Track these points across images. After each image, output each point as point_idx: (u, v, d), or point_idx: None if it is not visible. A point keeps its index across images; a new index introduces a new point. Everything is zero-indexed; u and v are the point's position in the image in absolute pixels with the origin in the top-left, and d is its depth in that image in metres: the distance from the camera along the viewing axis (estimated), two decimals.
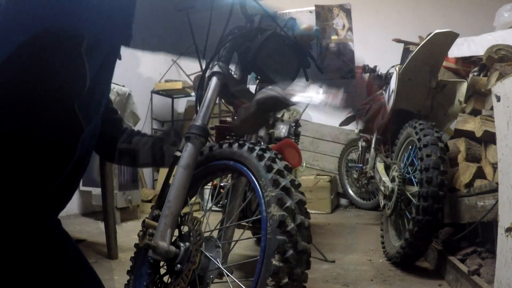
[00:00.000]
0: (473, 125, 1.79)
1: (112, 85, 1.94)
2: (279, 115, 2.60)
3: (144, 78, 4.66)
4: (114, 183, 2.89)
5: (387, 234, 2.08)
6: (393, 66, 2.72)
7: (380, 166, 2.31)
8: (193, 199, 1.26)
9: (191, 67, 4.93)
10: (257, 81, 1.47)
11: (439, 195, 1.57)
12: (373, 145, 2.58)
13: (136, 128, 3.88)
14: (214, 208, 1.35)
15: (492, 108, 1.32)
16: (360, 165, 3.13)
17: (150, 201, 3.72)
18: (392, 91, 2.21)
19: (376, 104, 2.80)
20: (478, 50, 2.33)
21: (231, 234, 1.16)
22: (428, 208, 1.57)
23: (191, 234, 0.99)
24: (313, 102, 2.30)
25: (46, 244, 0.90)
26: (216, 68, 1.22)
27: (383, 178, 2.12)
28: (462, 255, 1.57)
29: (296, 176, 3.16)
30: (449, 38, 1.95)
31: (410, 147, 2.03)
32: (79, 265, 0.97)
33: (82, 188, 3.36)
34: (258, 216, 0.91)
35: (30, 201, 0.80)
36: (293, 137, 2.07)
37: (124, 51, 1.10)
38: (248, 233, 2.08)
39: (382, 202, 2.13)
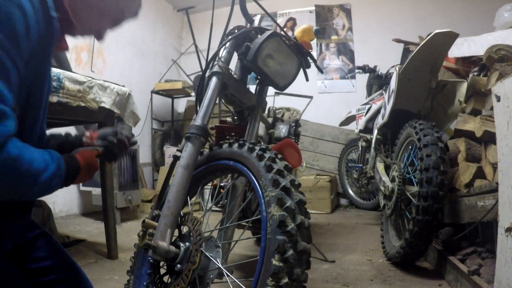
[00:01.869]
0: (473, 125, 1.79)
1: (112, 85, 1.94)
2: (279, 115, 2.60)
3: (144, 78, 4.66)
4: (114, 183, 2.89)
5: (387, 234, 2.08)
6: (393, 66, 2.73)
7: (380, 166, 2.31)
8: (193, 199, 1.26)
9: (191, 67, 4.95)
10: (257, 81, 1.47)
11: (439, 195, 1.57)
12: (373, 145, 2.58)
13: (136, 128, 3.89)
14: (214, 208, 1.35)
15: (492, 108, 1.32)
16: (360, 165, 3.13)
17: (150, 201, 3.73)
18: (392, 91, 2.21)
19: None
20: (478, 50, 2.33)
21: (231, 234, 1.16)
22: (428, 208, 1.57)
23: (191, 234, 0.99)
24: None
25: None
26: (216, 68, 1.21)
27: (383, 178, 2.12)
28: (462, 255, 1.57)
29: (296, 176, 3.16)
30: (449, 38, 1.95)
31: (410, 147, 2.03)
32: None
33: (82, 188, 3.37)
34: (258, 216, 0.91)
35: None
36: (293, 137, 2.07)
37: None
38: (248, 233, 2.08)
39: (382, 202, 2.13)
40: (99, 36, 1.05)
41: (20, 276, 0.90)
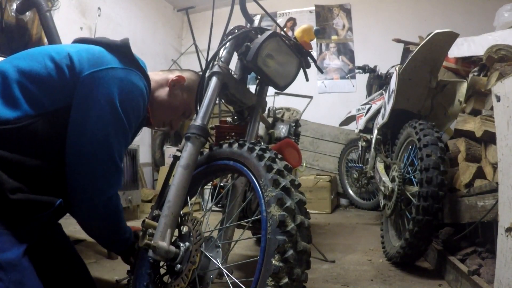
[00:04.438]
0: (473, 125, 1.79)
1: None
2: (279, 115, 2.60)
3: None
4: None
5: (387, 234, 2.08)
6: (393, 66, 2.73)
7: (380, 166, 2.31)
8: (193, 199, 1.26)
9: (191, 67, 4.94)
10: (257, 81, 1.47)
11: (439, 195, 1.57)
12: (373, 145, 2.58)
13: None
14: (214, 208, 1.35)
15: (492, 108, 1.32)
16: (360, 165, 3.13)
17: (150, 201, 3.72)
18: (392, 91, 2.21)
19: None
20: (478, 50, 2.33)
21: (231, 234, 1.15)
22: (428, 208, 1.57)
23: (191, 234, 0.99)
24: None
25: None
26: (216, 68, 1.21)
27: (383, 178, 2.12)
28: (462, 255, 1.57)
29: (296, 176, 3.16)
30: (449, 38, 1.95)
31: (410, 147, 2.03)
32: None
33: None
34: (258, 216, 0.91)
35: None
36: (293, 137, 2.07)
37: None
38: (248, 233, 2.08)
39: (382, 202, 2.13)
40: (172, 128, 1.41)
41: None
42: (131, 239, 1.23)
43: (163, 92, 1.31)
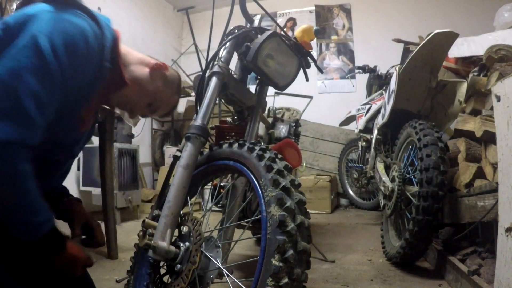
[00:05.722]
0: (473, 125, 1.79)
1: None
2: (279, 115, 2.60)
3: None
4: (114, 183, 2.89)
5: (387, 234, 2.08)
6: (393, 66, 2.73)
7: (380, 166, 2.31)
8: (193, 199, 1.26)
9: (191, 67, 4.94)
10: (257, 81, 1.47)
11: (439, 195, 1.57)
12: (373, 145, 2.58)
13: (136, 127, 3.87)
14: (214, 208, 1.35)
15: (492, 108, 1.32)
16: (360, 165, 3.13)
17: (150, 201, 3.72)
18: (392, 91, 2.21)
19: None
20: (478, 50, 2.33)
21: (231, 234, 1.15)
22: (428, 208, 1.57)
23: (191, 234, 0.99)
24: None
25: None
26: (216, 68, 1.21)
27: (383, 178, 2.12)
28: (462, 255, 1.57)
29: (296, 176, 3.16)
30: (449, 38, 1.95)
31: (410, 147, 2.03)
32: None
33: (82, 188, 3.37)
34: (258, 216, 0.91)
35: None
36: (293, 137, 2.07)
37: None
38: (248, 233, 2.08)
39: (382, 202, 2.13)
40: (132, 114, 1.20)
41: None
42: (49, 225, 0.87)
43: (141, 70, 1.13)
